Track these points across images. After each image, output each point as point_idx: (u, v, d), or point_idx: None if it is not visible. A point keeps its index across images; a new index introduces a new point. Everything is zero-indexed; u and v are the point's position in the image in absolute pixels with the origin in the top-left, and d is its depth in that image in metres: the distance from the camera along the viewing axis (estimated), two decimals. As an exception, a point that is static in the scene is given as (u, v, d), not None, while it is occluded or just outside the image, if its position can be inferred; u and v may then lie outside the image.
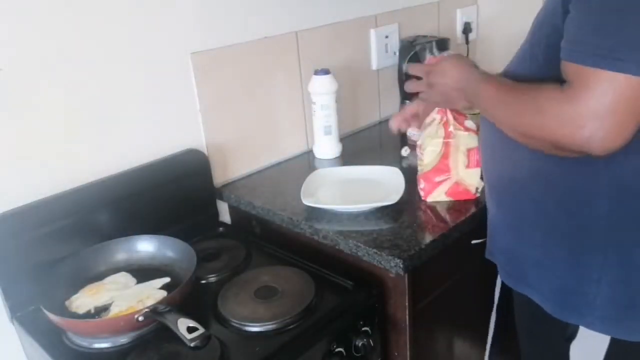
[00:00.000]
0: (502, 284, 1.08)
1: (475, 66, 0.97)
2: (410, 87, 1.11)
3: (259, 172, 1.48)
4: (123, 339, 0.96)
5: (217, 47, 1.32)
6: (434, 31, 1.92)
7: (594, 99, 0.68)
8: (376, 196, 1.22)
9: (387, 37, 1.75)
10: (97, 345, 0.96)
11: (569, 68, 0.73)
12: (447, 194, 1.20)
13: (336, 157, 1.52)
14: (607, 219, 0.83)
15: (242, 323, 0.98)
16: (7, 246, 1.03)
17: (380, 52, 1.74)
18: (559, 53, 0.74)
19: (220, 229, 1.36)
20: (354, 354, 1.03)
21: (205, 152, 1.35)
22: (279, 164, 1.53)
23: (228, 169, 1.43)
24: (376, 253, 1.05)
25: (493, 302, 1.26)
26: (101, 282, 1.08)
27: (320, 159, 1.53)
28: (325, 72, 1.44)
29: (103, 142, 1.18)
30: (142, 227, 1.19)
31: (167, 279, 1.07)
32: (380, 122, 1.81)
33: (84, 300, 1.02)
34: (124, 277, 1.09)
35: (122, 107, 1.19)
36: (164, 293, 1.02)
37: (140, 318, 0.92)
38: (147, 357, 0.92)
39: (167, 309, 0.91)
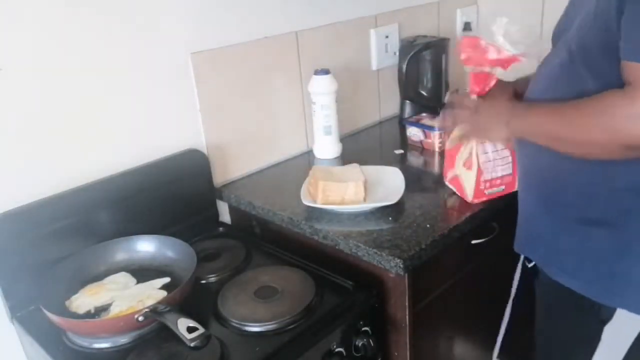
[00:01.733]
0: (521, 277, 1.10)
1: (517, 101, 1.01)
2: (458, 117, 1.13)
3: (259, 172, 1.48)
4: (123, 339, 0.96)
5: (217, 47, 1.32)
6: (434, 31, 1.92)
7: None
8: (376, 196, 1.22)
9: (387, 37, 1.75)
10: (97, 345, 0.96)
11: (630, 68, 0.75)
12: (450, 182, 1.23)
13: (336, 157, 1.52)
14: None
15: (242, 323, 0.98)
16: (7, 246, 1.03)
17: (380, 52, 1.74)
18: (617, 55, 0.76)
19: (220, 229, 1.36)
20: (354, 354, 1.03)
21: (205, 152, 1.35)
22: (279, 164, 1.53)
23: (228, 169, 1.43)
24: (376, 253, 1.05)
25: (493, 302, 1.26)
26: (101, 282, 1.08)
27: (320, 159, 1.53)
28: (325, 72, 1.44)
29: (103, 142, 1.18)
30: (142, 227, 1.19)
31: (167, 279, 1.07)
32: (380, 122, 1.82)
33: (84, 300, 1.03)
34: (124, 277, 1.09)
35: (123, 107, 1.19)
36: (164, 293, 1.02)
37: (140, 318, 0.92)
38: (147, 357, 0.92)
39: (167, 309, 0.91)
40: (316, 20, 1.54)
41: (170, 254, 1.13)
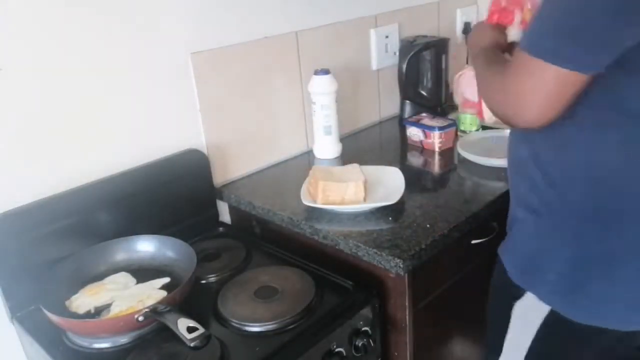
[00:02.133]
0: None
1: (496, 36, 1.12)
2: None
3: (259, 172, 1.48)
4: (123, 339, 0.96)
5: (217, 47, 1.32)
6: (434, 31, 1.92)
7: (523, 90, 0.80)
8: (376, 196, 1.22)
9: (387, 37, 1.75)
10: (97, 345, 0.96)
11: (518, 54, 0.82)
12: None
13: (336, 157, 1.52)
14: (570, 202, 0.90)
15: (242, 323, 0.98)
16: (7, 246, 1.03)
17: (380, 52, 1.74)
18: None
19: (220, 229, 1.36)
20: (354, 354, 1.03)
21: (205, 152, 1.35)
22: (279, 164, 1.53)
23: (228, 169, 1.43)
24: (376, 253, 1.05)
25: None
26: (101, 282, 1.08)
27: (320, 159, 1.53)
28: (325, 72, 1.44)
29: (103, 142, 1.18)
30: (142, 227, 1.19)
31: (167, 279, 1.07)
32: (380, 122, 1.82)
33: (84, 300, 1.03)
34: (124, 277, 1.09)
35: (123, 107, 1.19)
36: (163, 293, 1.02)
37: (140, 318, 0.92)
38: (147, 357, 0.92)
39: (167, 309, 0.91)
40: (316, 20, 1.54)
41: (170, 254, 1.13)
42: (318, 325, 0.99)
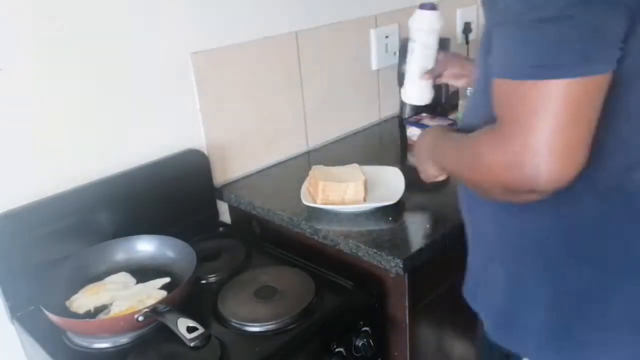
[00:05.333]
0: None
1: (444, 130, 0.93)
2: None
3: (259, 172, 1.48)
4: (123, 339, 0.96)
5: (217, 47, 1.32)
6: (434, 31, 1.92)
7: (528, 128, 0.60)
8: (376, 196, 1.22)
9: (387, 37, 1.75)
10: (97, 345, 0.96)
11: (497, 85, 0.65)
12: None
13: (427, 105, 1.36)
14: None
15: (242, 323, 0.98)
16: (7, 246, 1.03)
17: (380, 52, 1.74)
18: None
19: (220, 229, 1.36)
20: (354, 354, 1.03)
21: (205, 152, 1.35)
22: (279, 164, 1.53)
23: (228, 169, 1.43)
24: (376, 253, 1.05)
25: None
26: (101, 282, 1.08)
27: (412, 105, 1.38)
28: (432, 6, 1.27)
29: (103, 142, 1.18)
30: (142, 227, 1.19)
31: (167, 279, 1.07)
32: (380, 122, 1.81)
33: (84, 300, 1.03)
34: (124, 277, 1.09)
35: (122, 107, 1.19)
36: (164, 293, 1.02)
37: (140, 318, 0.92)
38: (147, 357, 0.92)
39: (167, 309, 0.91)
40: (316, 20, 1.54)
41: (170, 254, 1.13)
42: (318, 325, 0.99)
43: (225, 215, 1.43)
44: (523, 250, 0.78)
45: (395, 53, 1.76)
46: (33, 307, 1.06)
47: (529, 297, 0.79)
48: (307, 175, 1.30)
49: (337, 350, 1.00)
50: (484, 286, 0.88)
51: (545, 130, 0.59)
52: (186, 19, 1.26)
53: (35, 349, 1.00)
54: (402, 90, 1.35)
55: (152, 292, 1.03)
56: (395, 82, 1.75)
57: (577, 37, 0.58)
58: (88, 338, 0.97)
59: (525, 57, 0.61)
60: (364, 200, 1.19)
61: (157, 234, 1.16)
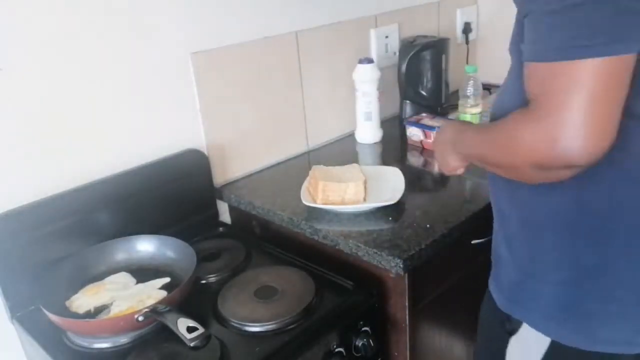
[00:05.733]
0: None
1: (464, 123, 0.98)
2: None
3: (259, 172, 1.48)
4: (123, 339, 0.96)
5: (217, 47, 1.32)
6: (434, 31, 1.92)
7: (562, 104, 0.63)
8: (376, 196, 1.22)
9: (387, 37, 1.75)
10: (97, 345, 0.96)
11: (530, 70, 0.69)
12: None
13: (376, 142, 1.62)
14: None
15: (242, 323, 0.98)
16: (7, 246, 1.03)
17: (380, 52, 1.74)
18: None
19: (220, 229, 1.36)
20: (354, 354, 1.04)
21: (205, 152, 1.35)
22: (279, 164, 1.53)
23: (228, 169, 1.43)
24: (376, 253, 1.05)
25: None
26: (101, 282, 1.08)
27: (361, 143, 1.63)
28: (370, 61, 1.54)
29: (103, 142, 1.18)
30: (142, 227, 1.19)
31: (167, 279, 1.07)
32: (380, 122, 1.81)
33: (84, 300, 1.03)
34: (124, 277, 1.09)
35: (122, 107, 1.19)
36: (164, 293, 1.02)
37: (140, 318, 0.92)
38: (147, 357, 0.92)
39: (167, 309, 0.91)
40: (316, 20, 1.54)
41: (170, 254, 1.13)
42: (318, 325, 0.99)
43: (225, 215, 1.43)
44: (542, 228, 0.82)
45: (395, 53, 1.76)
46: (33, 307, 1.06)
47: (544, 272, 0.83)
48: (307, 175, 1.30)
49: (337, 350, 1.00)
50: (498, 260, 0.93)
51: (578, 106, 0.62)
52: (186, 19, 1.26)
53: (35, 349, 1.00)
54: (355, 131, 1.65)
55: (152, 292, 1.03)
56: (396, 82, 1.75)
57: (605, 18, 0.61)
58: (88, 338, 0.97)
59: (556, 40, 0.64)
60: (364, 200, 1.19)
61: (157, 234, 1.16)
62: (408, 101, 1.77)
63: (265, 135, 1.49)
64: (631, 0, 0.61)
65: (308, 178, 1.28)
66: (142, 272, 1.11)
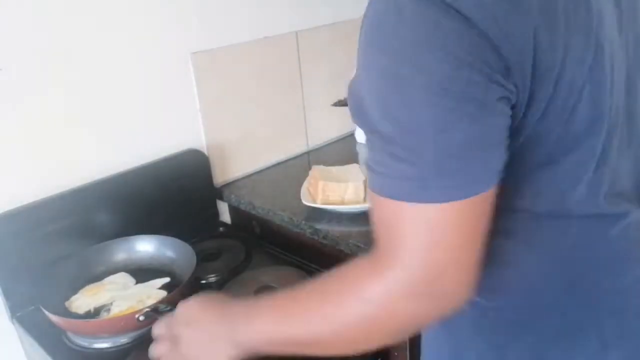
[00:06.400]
0: None
1: (229, 300, 0.70)
2: (153, 352, 0.74)
3: (259, 172, 1.48)
4: (123, 339, 0.96)
5: (217, 47, 1.32)
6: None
7: (417, 251, 0.51)
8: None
9: (387, 37, 1.75)
10: (97, 346, 0.96)
11: (372, 202, 0.55)
12: None
13: None
14: None
15: (242, 323, 0.98)
16: (7, 246, 1.02)
17: (380, 52, 1.74)
18: None
19: (220, 229, 1.36)
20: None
21: (205, 152, 1.35)
22: (279, 164, 1.53)
23: (228, 169, 1.43)
24: (376, 253, 1.05)
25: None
26: (100, 282, 1.08)
27: (361, 143, 1.60)
28: None
29: (103, 142, 1.18)
30: (142, 227, 1.19)
31: (166, 279, 1.07)
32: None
33: (83, 300, 1.03)
34: (123, 278, 1.09)
35: (122, 107, 1.19)
36: (163, 293, 1.02)
37: (141, 318, 0.92)
38: (147, 357, 0.92)
39: (168, 308, 0.91)
40: (316, 20, 1.54)
41: (170, 254, 1.13)
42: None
43: (225, 215, 1.43)
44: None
45: (395, 53, 1.76)
46: (33, 307, 1.06)
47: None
48: (307, 175, 1.30)
49: (337, 350, 1.00)
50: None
51: (437, 253, 0.51)
52: (186, 19, 1.26)
53: (35, 349, 1.00)
54: (355, 131, 1.63)
55: (152, 292, 1.03)
56: (395, 82, 1.75)
57: (454, 152, 0.49)
58: (88, 338, 0.97)
59: (400, 174, 0.51)
60: (364, 200, 1.19)
61: (157, 234, 1.16)
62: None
63: (265, 135, 1.49)
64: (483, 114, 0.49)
65: (308, 178, 1.28)
66: (142, 272, 1.11)
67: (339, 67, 1.62)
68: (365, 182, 1.21)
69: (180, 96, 1.29)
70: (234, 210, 1.42)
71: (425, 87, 0.48)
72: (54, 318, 0.94)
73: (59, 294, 1.04)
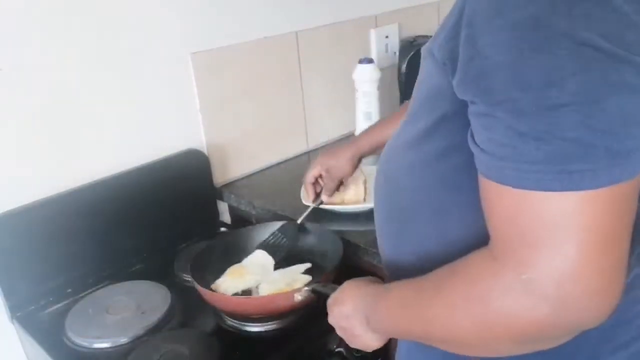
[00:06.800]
0: None
1: (377, 282, 0.72)
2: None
3: (259, 172, 1.48)
4: (123, 339, 0.96)
5: (217, 47, 1.32)
6: (434, 31, 1.91)
7: (544, 249, 0.45)
8: (376, 196, 1.22)
9: (387, 37, 1.75)
10: (97, 345, 0.96)
11: (493, 194, 0.49)
12: None
13: None
14: None
15: (242, 323, 0.98)
16: (7, 246, 1.03)
17: (380, 52, 1.74)
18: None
19: (221, 229, 1.36)
20: (354, 354, 1.03)
21: (205, 152, 1.35)
22: (279, 164, 1.53)
23: (228, 169, 1.43)
24: (376, 253, 1.05)
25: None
26: (240, 264, 1.09)
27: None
28: (369, 61, 1.53)
29: (103, 142, 1.18)
30: (142, 226, 1.19)
31: (308, 265, 1.09)
32: (380, 122, 1.82)
33: (230, 283, 1.04)
34: (263, 256, 1.10)
35: (122, 107, 1.19)
36: (308, 277, 1.04)
37: (299, 297, 0.92)
38: (147, 357, 0.92)
39: (325, 285, 0.89)
40: (316, 20, 1.54)
41: (310, 240, 1.14)
42: (318, 325, 0.98)
43: (225, 215, 1.43)
44: None
45: (395, 53, 1.76)
46: (33, 307, 1.06)
47: None
48: (307, 175, 1.30)
49: (337, 350, 1.00)
50: None
51: (577, 252, 0.44)
52: (186, 19, 1.26)
53: (35, 349, 1.00)
54: (356, 131, 1.62)
55: (297, 276, 1.05)
56: (395, 82, 1.75)
57: (604, 126, 0.42)
58: (89, 339, 0.97)
59: (537, 160, 0.44)
60: (364, 200, 1.19)
61: (157, 233, 1.16)
62: (408, 101, 1.77)
63: (265, 135, 1.49)
64: (631, 91, 0.42)
65: None
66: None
67: (339, 67, 1.62)
68: (365, 182, 1.21)
69: (180, 96, 1.29)
70: (234, 210, 1.42)
71: (578, 43, 0.41)
72: (211, 296, 0.96)
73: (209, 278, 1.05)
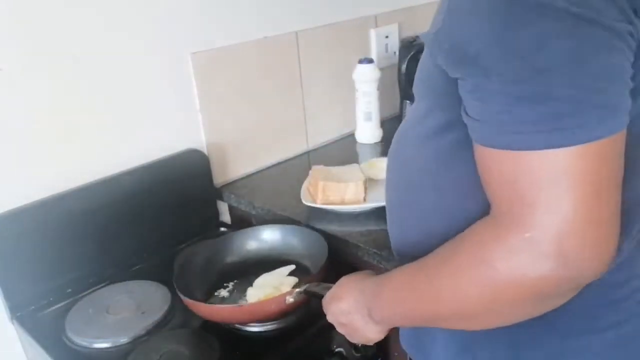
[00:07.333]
0: None
1: (373, 274, 0.74)
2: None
3: (259, 172, 1.48)
4: (123, 339, 0.96)
5: (217, 47, 1.32)
6: (434, 31, 1.92)
7: (543, 207, 0.47)
8: (376, 196, 1.22)
9: (387, 37, 1.75)
10: (97, 346, 0.96)
11: (489, 162, 0.51)
12: None
13: (376, 142, 1.62)
14: None
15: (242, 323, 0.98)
16: (7, 246, 1.03)
17: (380, 52, 1.74)
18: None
19: (221, 229, 1.36)
20: (354, 354, 1.03)
21: (205, 152, 1.35)
22: (279, 164, 1.53)
23: (228, 169, 1.43)
24: (376, 253, 1.05)
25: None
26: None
27: (362, 143, 1.63)
28: (369, 61, 1.54)
29: (103, 142, 1.18)
30: (142, 226, 1.19)
31: (292, 266, 1.09)
32: (380, 122, 1.81)
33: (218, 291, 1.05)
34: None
35: (122, 107, 1.19)
36: (295, 279, 1.03)
37: (290, 299, 0.92)
38: (147, 357, 0.92)
39: (317, 285, 0.89)
40: (316, 20, 1.54)
41: (293, 241, 1.16)
42: (318, 325, 0.98)
43: (225, 215, 1.43)
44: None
45: (395, 53, 1.76)
46: (33, 307, 1.06)
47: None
48: (307, 175, 1.30)
49: (337, 350, 1.00)
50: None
51: (574, 207, 0.47)
52: (186, 19, 1.26)
53: (35, 349, 1.00)
54: (356, 131, 1.63)
55: (284, 279, 1.05)
56: (395, 82, 1.75)
57: (591, 84, 0.46)
58: (89, 339, 0.97)
59: (528, 120, 0.47)
60: (364, 200, 1.19)
61: (157, 233, 1.16)
62: (408, 101, 1.77)
63: (265, 135, 1.49)
64: (615, 52, 0.46)
65: (308, 178, 1.28)
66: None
67: (339, 67, 1.62)
68: (365, 182, 1.21)
69: (180, 96, 1.29)
70: (234, 210, 1.42)
71: (555, 10, 0.45)
72: (202, 308, 0.95)
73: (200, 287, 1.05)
